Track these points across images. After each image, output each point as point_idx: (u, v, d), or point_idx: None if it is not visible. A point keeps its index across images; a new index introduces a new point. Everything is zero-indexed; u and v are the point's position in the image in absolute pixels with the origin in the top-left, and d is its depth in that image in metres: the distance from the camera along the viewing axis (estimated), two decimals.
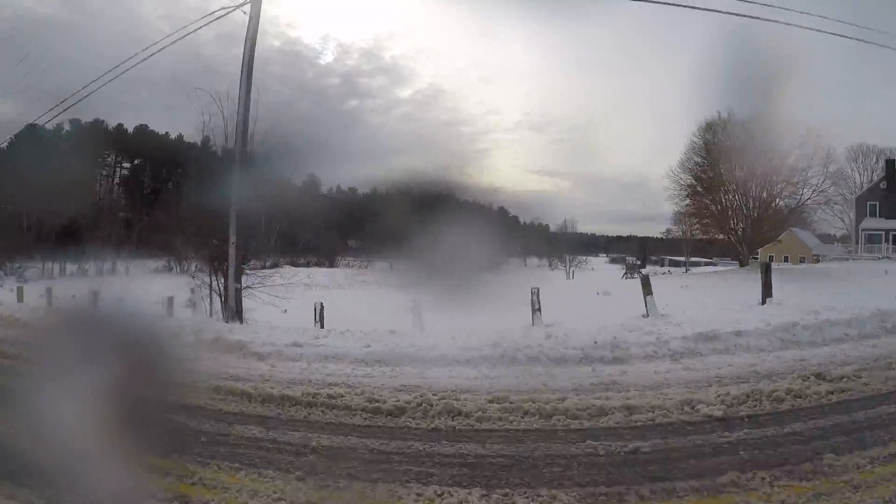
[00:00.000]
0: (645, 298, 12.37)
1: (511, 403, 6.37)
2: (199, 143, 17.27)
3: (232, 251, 14.39)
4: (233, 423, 6.19)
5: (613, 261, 68.13)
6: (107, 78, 16.96)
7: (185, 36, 15.94)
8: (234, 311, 14.26)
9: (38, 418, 5.16)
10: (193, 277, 16.13)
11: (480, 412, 6.12)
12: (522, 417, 6.05)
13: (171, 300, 14.75)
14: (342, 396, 6.77)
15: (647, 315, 11.98)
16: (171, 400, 6.92)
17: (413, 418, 6.15)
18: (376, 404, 6.42)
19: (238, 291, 14.53)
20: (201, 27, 15.65)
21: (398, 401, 6.50)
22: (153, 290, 17.24)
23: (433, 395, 6.78)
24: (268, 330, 11.59)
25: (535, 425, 5.89)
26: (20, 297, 18.99)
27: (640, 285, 13.13)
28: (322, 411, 6.49)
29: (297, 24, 47.19)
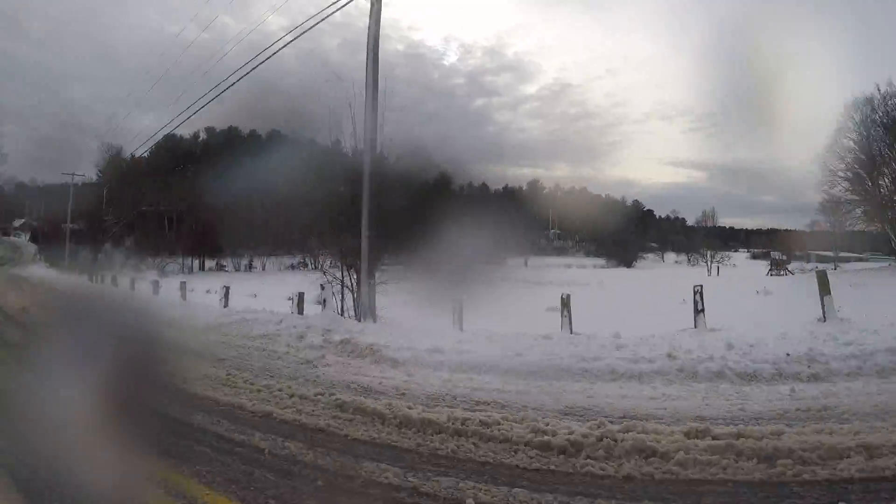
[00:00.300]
0: (822, 299, 10.40)
1: (715, 439, 4.94)
2: (329, 143, 17.03)
3: (365, 245, 13.67)
4: (360, 456, 4.91)
5: (755, 256, 64.02)
6: (233, 78, 17.28)
7: (307, 31, 15.93)
8: (367, 309, 13.52)
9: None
10: (325, 273, 15.54)
11: (682, 452, 4.66)
12: (736, 461, 4.56)
13: (301, 297, 14.19)
14: (498, 424, 5.45)
15: (825, 319, 10.08)
16: (287, 418, 5.95)
17: (594, 459, 4.71)
18: (544, 437, 5.05)
19: (372, 287, 13.78)
20: (323, 19, 15.42)
21: (571, 432, 5.11)
22: (287, 287, 17.04)
23: (611, 423, 5.44)
24: (403, 331, 10.65)
25: (757, 474, 4.37)
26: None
27: (795, 283, 11.24)
28: (474, 444, 5.13)
29: (418, 27, 47.74)
